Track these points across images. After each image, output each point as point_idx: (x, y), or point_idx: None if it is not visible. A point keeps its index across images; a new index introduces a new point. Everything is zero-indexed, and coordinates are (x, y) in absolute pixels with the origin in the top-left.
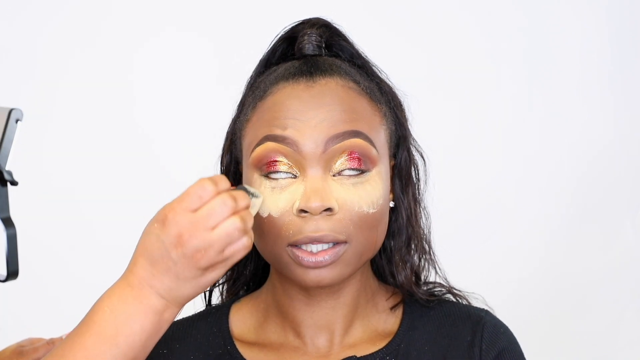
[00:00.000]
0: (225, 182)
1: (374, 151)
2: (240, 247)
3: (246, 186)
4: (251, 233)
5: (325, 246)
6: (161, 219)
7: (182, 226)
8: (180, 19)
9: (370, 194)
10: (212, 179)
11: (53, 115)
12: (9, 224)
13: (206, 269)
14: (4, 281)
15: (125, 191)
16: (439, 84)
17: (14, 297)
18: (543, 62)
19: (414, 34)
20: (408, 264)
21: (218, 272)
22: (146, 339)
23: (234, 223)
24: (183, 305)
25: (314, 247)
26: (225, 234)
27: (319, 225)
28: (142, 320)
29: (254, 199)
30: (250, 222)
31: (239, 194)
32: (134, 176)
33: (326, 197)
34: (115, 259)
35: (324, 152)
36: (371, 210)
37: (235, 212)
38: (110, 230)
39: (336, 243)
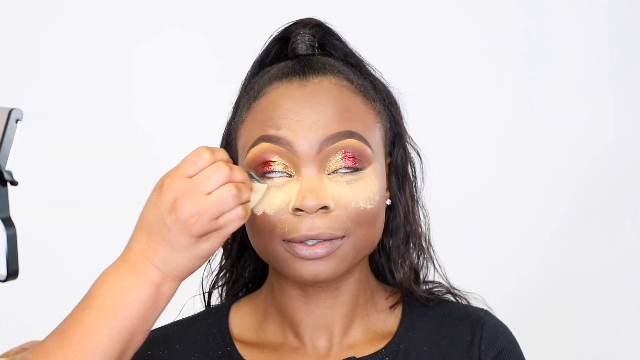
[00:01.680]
0: (223, 154)
1: (368, 150)
2: (234, 216)
3: (251, 172)
4: (247, 205)
5: (320, 239)
6: (159, 186)
7: (177, 191)
8: (181, 19)
9: (365, 190)
10: (209, 148)
11: (53, 115)
12: (9, 224)
13: (200, 237)
14: (4, 281)
15: (126, 191)
16: (439, 83)
17: (14, 297)
18: (543, 62)
19: (414, 34)
20: (407, 262)
21: (212, 243)
22: (145, 311)
23: (229, 189)
24: (181, 279)
25: (310, 241)
26: (219, 200)
27: (315, 224)
28: (139, 293)
29: (257, 184)
30: (247, 195)
31: (236, 166)
32: (134, 176)
33: (321, 195)
34: (115, 259)
35: (318, 152)
36: (368, 206)
37: (230, 181)
38: (110, 230)
39: (332, 238)
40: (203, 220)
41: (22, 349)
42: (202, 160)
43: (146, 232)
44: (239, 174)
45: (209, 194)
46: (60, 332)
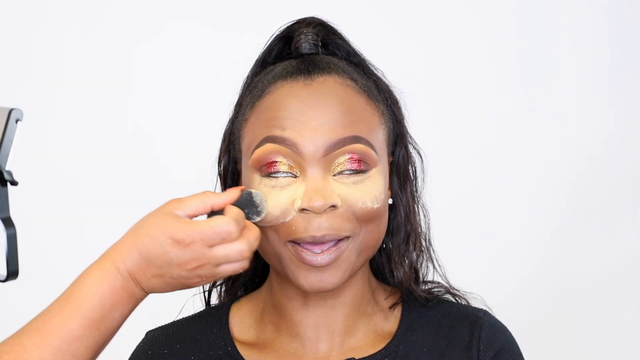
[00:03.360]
0: (243, 219)
1: (373, 154)
2: (227, 275)
3: (253, 193)
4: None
5: (326, 246)
6: (177, 238)
7: (195, 257)
8: (181, 18)
9: (371, 189)
10: (237, 221)
11: (53, 115)
12: (9, 224)
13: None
14: (4, 281)
15: (126, 191)
16: (438, 83)
17: (14, 297)
18: (543, 62)
19: (414, 34)
20: (407, 261)
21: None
22: (121, 323)
23: (242, 266)
24: None
25: (316, 248)
26: (230, 271)
27: (322, 223)
28: (124, 309)
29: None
30: (251, 256)
31: (254, 236)
32: (134, 176)
33: (328, 195)
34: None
35: (324, 155)
36: (375, 205)
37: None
38: (110, 230)
39: (338, 240)
40: (206, 281)
41: None
42: (230, 237)
43: (145, 261)
44: (255, 243)
45: (222, 264)
46: (41, 330)
